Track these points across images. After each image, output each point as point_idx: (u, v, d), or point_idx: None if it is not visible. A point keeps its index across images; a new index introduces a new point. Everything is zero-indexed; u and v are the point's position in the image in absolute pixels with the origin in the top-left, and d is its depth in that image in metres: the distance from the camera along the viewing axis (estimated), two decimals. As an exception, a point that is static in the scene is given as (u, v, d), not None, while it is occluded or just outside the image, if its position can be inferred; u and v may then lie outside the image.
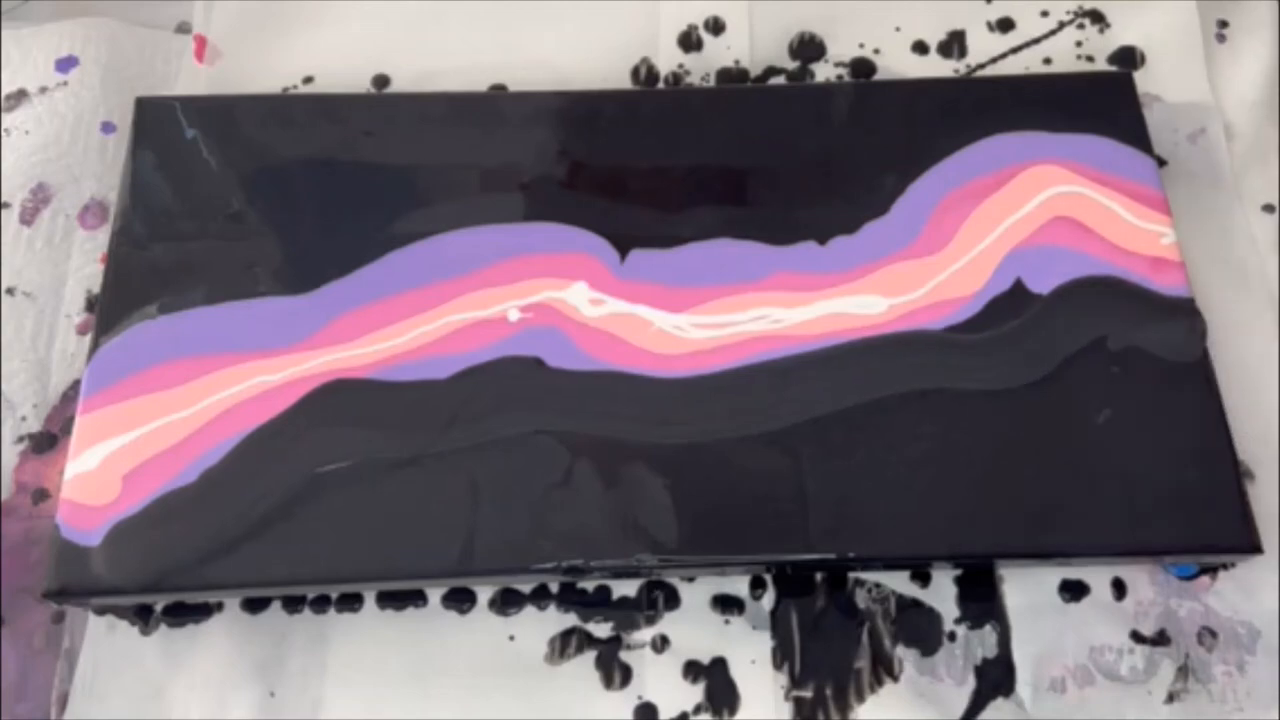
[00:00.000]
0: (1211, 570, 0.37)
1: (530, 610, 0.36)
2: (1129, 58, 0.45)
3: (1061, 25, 0.46)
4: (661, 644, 0.36)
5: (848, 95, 0.42)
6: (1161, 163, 0.43)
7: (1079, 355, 0.37)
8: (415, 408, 0.36)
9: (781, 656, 0.35)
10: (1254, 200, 0.43)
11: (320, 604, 0.36)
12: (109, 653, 0.35)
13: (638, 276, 0.38)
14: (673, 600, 0.36)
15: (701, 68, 0.45)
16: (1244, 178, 0.43)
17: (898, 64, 0.45)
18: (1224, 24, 0.46)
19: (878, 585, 0.37)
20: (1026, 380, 0.37)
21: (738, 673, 0.35)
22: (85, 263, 0.41)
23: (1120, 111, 0.41)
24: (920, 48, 0.46)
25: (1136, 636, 0.36)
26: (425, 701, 0.35)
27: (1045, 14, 0.46)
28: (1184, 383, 0.37)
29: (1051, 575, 0.37)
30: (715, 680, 0.35)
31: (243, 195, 0.39)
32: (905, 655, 0.36)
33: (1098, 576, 0.37)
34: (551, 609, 0.36)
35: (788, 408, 0.36)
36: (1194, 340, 0.38)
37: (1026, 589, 0.37)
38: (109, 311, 0.37)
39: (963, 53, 0.46)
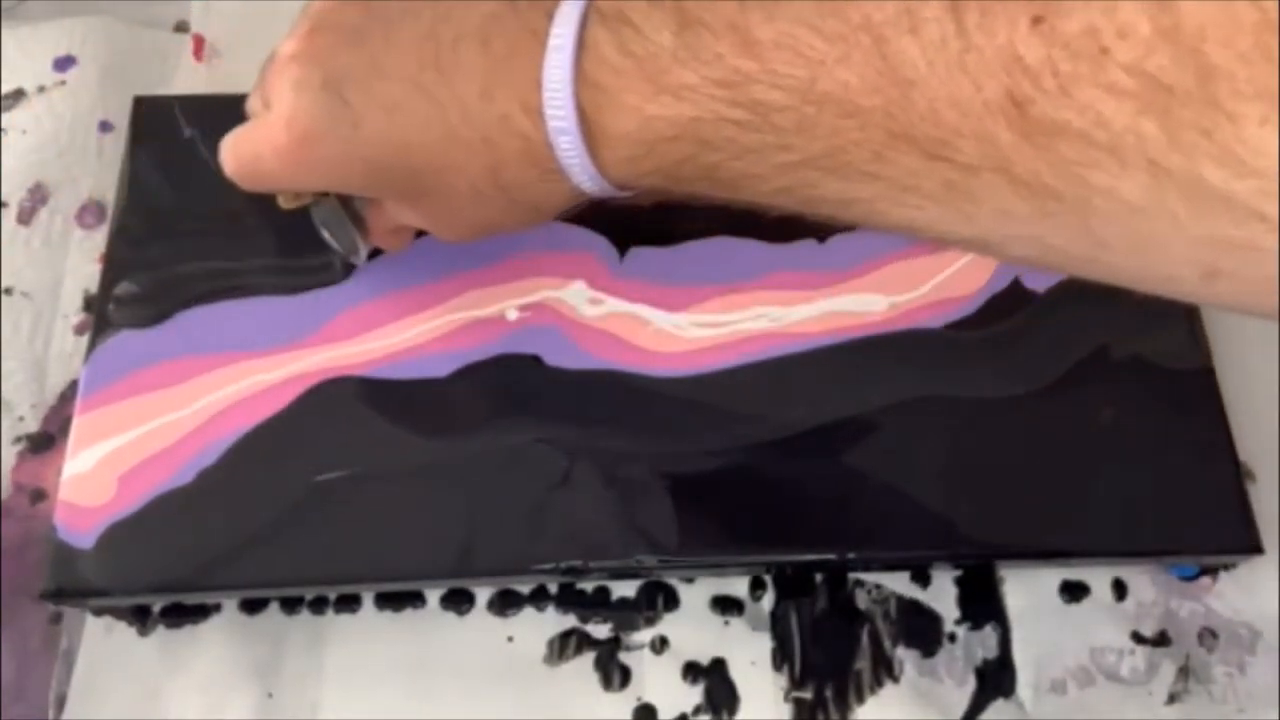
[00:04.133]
0: (1212, 571, 0.37)
1: (529, 611, 0.36)
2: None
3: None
4: (661, 645, 0.35)
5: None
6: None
7: (1081, 354, 0.37)
8: (414, 405, 0.36)
9: (781, 657, 0.35)
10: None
11: (318, 605, 0.36)
12: (106, 654, 0.35)
13: (636, 275, 0.38)
14: (672, 601, 0.36)
15: (701, 67, 0.45)
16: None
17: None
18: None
19: (878, 586, 0.36)
20: (1028, 379, 0.37)
21: (737, 674, 0.35)
22: (83, 262, 0.41)
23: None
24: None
25: (1137, 637, 0.36)
26: (423, 703, 0.34)
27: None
28: (1185, 382, 0.37)
29: (1052, 576, 0.37)
30: (715, 681, 0.35)
31: (241, 195, 0.39)
32: (905, 656, 0.35)
33: (1098, 577, 0.37)
34: (550, 610, 0.36)
35: (787, 407, 0.36)
36: (1195, 342, 0.37)
37: (1027, 590, 0.37)
38: (106, 311, 0.37)
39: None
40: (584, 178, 0.27)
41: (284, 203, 0.33)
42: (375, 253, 0.37)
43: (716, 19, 0.23)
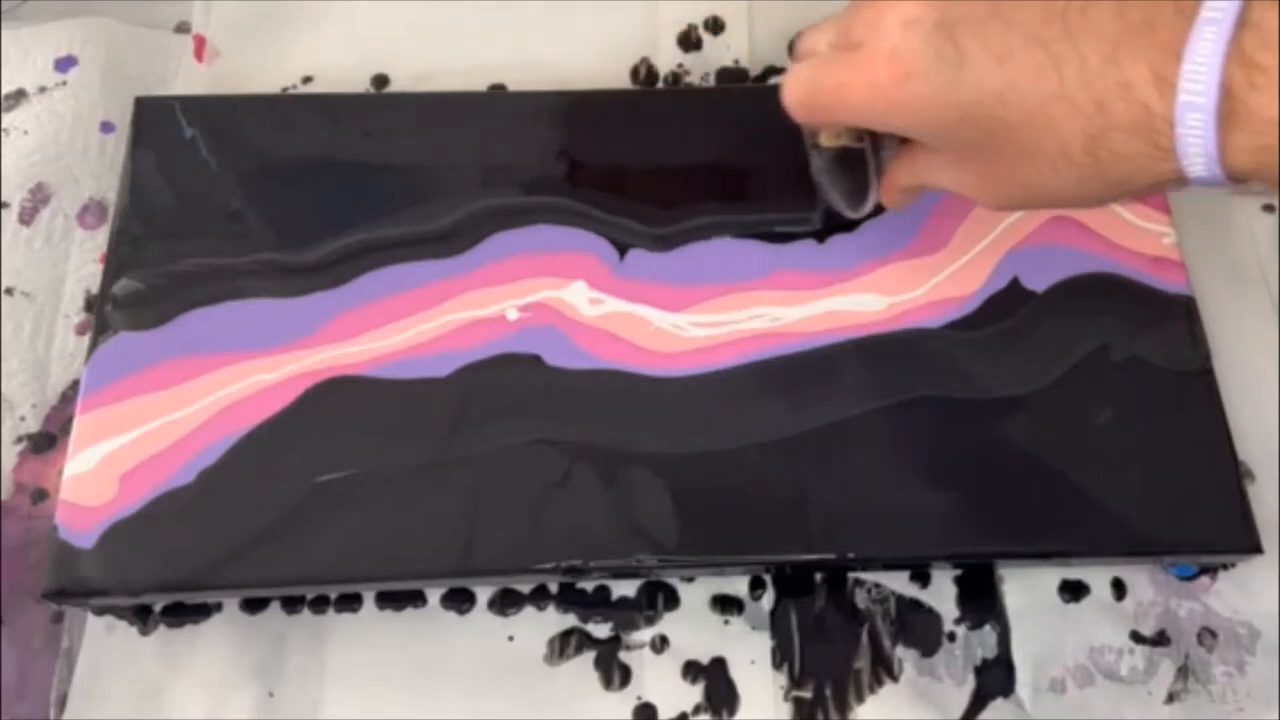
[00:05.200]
0: (1211, 570, 0.37)
1: (529, 611, 0.36)
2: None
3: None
4: (661, 644, 0.36)
5: (847, 95, 0.42)
6: (1162, 162, 0.43)
7: (1080, 354, 0.37)
8: (415, 405, 0.36)
9: (781, 657, 0.35)
10: (1254, 200, 0.43)
11: (319, 604, 0.36)
12: (108, 653, 0.35)
13: (637, 275, 0.38)
14: (672, 600, 0.36)
15: (701, 67, 0.45)
16: (1245, 177, 0.43)
17: (898, 64, 0.45)
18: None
19: (877, 585, 0.37)
20: (1028, 379, 0.37)
21: (737, 673, 0.35)
22: (84, 263, 0.41)
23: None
24: (920, 47, 0.46)
25: (1136, 637, 0.36)
26: (424, 702, 0.35)
27: (1045, 14, 0.46)
28: (1184, 382, 0.37)
29: (1051, 575, 0.37)
30: (714, 680, 0.35)
31: (242, 195, 0.39)
32: (905, 655, 0.36)
33: (1097, 577, 0.37)
34: (551, 609, 0.36)
35: (787, 406, 0.36)
36: (1195, 342, 0.37)
37: (1026, 589, 0.37)
38: (107, 311, 0.37)
39: (963, 52, 0.46)
40: (1198, 160, 0.25)
41: (825, 140, 0.33)
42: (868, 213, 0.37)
43: None
